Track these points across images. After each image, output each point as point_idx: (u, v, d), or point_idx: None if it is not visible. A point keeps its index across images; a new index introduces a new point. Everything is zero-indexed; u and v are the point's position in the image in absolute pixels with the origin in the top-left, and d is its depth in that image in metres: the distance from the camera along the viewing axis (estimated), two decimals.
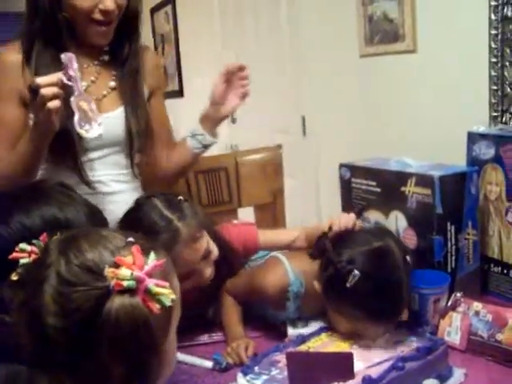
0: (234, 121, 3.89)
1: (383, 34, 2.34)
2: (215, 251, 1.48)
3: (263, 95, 3.46)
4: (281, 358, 1.24)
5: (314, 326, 1.43)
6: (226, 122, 3.90)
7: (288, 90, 3.18)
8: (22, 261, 0.85)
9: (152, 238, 1.22)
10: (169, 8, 4.79)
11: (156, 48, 5.29)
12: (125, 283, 0.75)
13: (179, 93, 4.79)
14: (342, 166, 1.77)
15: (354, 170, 1.73)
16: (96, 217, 1.18)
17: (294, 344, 1.30)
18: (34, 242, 0.87)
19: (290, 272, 1.45)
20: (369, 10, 2.40)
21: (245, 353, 1.34)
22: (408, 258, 1.30)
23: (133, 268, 0.77)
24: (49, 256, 0.81)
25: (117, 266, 0.77)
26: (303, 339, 1.32)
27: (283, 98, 3.22)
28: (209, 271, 1.46)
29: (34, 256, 0.86)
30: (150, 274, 0.78)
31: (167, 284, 0.79)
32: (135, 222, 1.38)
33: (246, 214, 2.21)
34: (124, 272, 0.76)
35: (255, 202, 2.18)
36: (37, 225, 1.06)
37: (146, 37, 6.03)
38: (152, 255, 0.81)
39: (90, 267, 0.78)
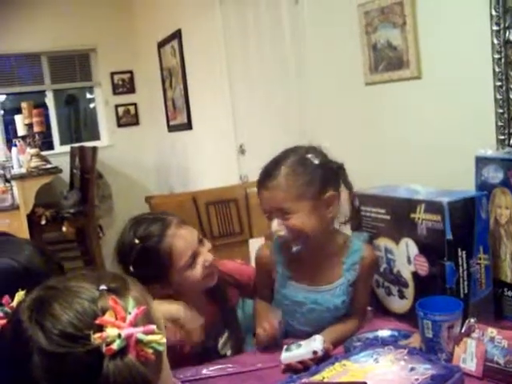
0: (243, 152, 3.91)
1: (387, 61, 2.36)
2: (208, 243, 1.62)
3: (270, 125, 3.50)
4: None
5: (307, 346, 1.43)
6: (235, 153, 3.97)
7: (295, 120, 3.20)
8: None
9: (146, 236, 1.48)
10: (175, 42, 4.86)
11: (164, 82, 5.35)
12: (115, 346, 0.72)
13: (188, 125, 4.83)
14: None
15: (363, 198, 1.73)
16: (49, 257, 1.15)
17: (308, 374, 1.30)
18: None
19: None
20: (372, 38, 2.43)
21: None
22: None
23: (117, 325, 0.74)
24: (23, 328, 0.76)
25: (100, 327, 0.74)
26: (317, 369, 1.31)
27: (290, 128, 3.24)
28: (209, 256, 1.57)
29: (1, 323, 0.82)
30: (134, 324, 0.76)
31: (154, 327, 0.77)
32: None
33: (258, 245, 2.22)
34: (111, 333, 0.73)
35: (266, 233, 2.18)
36: None
37: (153, 71, 6.14)
38: (131, 302, 0.79)
39: (71, 333, 0.74)
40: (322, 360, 1.40)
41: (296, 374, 1.34)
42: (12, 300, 0.88)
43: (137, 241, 1.50)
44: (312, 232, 1.53)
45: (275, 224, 1.53)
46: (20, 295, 0.86)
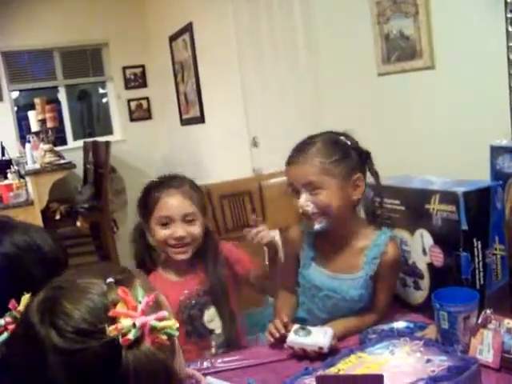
0: (256, 144, 3.90)
1: (400, 51, 2.35)
2: (198, 228, 1.69)
3: (283, 118, 3.48)
4: (310, 381, 1.23)
5: (315, 337, 1.43)
6: (248, 146, 3.96)
7: (308, 111, 3.19)
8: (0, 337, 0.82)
9: (154, 184, 1.71)
10: (187, 36, 4.85)
11: (176, 75, 5.36)
12: (131, 336, 0.72)
13: (200, 119, 4.83)
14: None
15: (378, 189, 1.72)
16: (57, 242, 1.16)
17: (323, 367, 1.30)
18: (7, 313, 0.84)
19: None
20: (385, 28, 2.41)
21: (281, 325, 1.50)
22: None
23: (130, 315, 0.74)
24: (35, 331, 0.75)
25: (113, 319, 0.74)
26: (332, 362, 1.31)
27: (303, 119, 3.23)
28: (179, 233, 1.65)
29: (11, 327, 0.82)
30: (146, 312, 0.76)
31: (166, 313, 0.77)
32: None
33: None
34: (125, 323, 0.73)
35: (280, 225, 2.18)
36: (13, 252, 1.06)
37: (165, 65, 6.11)
38: (140, 291, 0.79)
39: (85, 329, 0.73)
40: (326, 355, 1.40)
41: (311, 366, 1.34)
42: (18, 304, 0.88)
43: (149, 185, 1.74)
44: (337, 211, 1.56)
45: (303, 199, 1.55)
46: (26, 298, 0.86)
